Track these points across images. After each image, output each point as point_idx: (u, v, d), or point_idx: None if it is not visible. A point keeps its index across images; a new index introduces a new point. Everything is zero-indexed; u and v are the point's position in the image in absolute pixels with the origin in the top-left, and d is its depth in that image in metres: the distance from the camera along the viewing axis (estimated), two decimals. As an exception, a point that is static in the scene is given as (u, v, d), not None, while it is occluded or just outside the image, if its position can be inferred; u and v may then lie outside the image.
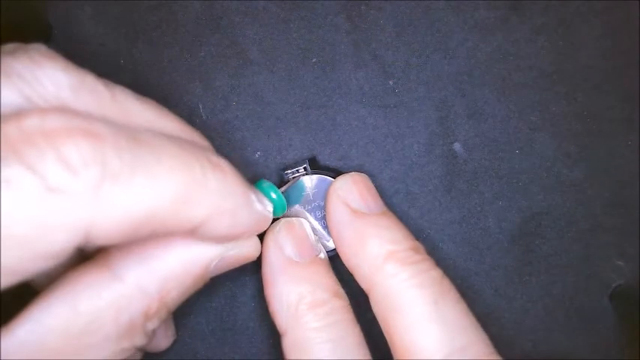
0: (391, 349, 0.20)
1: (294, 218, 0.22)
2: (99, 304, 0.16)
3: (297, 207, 0.23)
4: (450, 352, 0.18)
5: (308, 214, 0.23)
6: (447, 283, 0.20)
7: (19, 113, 0.14)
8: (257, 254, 0.20)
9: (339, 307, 0.20)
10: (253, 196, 0.18)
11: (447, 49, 0.24)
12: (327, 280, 0.20)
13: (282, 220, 0.22)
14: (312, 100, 0.24)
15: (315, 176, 0.23)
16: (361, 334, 0.20)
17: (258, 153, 0.24)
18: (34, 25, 0.24)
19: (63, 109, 0.14)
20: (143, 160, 0.14)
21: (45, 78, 0.15)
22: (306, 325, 0.19)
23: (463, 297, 0.20)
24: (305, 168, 0.23)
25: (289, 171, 0.23)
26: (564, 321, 0.23)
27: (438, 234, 0.24)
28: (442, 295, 0.19)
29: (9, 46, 0.16)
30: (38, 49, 0.16)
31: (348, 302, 0.21)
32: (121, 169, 0.14)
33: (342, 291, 0.21)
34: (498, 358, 0.19)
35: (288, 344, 0.20)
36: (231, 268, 0.19)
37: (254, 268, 0.22)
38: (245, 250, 0.19)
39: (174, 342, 0.24)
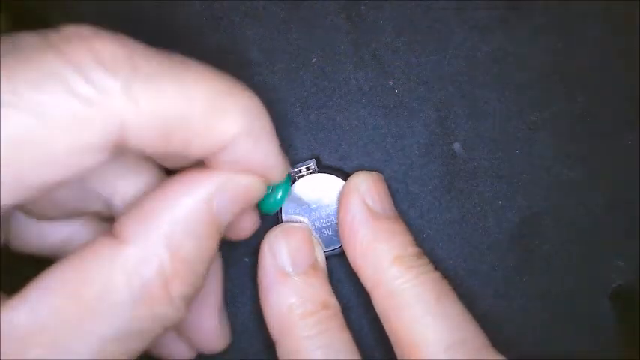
0: (394, 345, 0.21)
1: (291, 224, 0.22)
2: (108, 269, 0.16)
3: (297, 207, 0.23)
4: (450, 344, 0.19)
5: (305, 216, 0.23)
6: (445, 284, 0.21)
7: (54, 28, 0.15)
8: (258, 186, 0.19)
9: (329, 316, 0.21)
10: (276, 136, 0.18)
11: (447, 49, 0.24)
12: (317, 290, 0.21)
13: (280, 226, 0.22)
14: (312, 100, 0.24)
15: (321, 175, 0.23)
16: (351, 339, 0.21)
17: None
18: (34, 25, 0.24)
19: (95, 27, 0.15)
20: (172, 69, 0.16)
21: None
22: (296, 334, 0.20)
23: (463, 297, 0.21)
24: (312, 166, 0.23)
25: (296, 169, 0.23)
26: (564, 321, 0.23)
27: (438, 234, 0.24)
28: (442, 293, 0.20)
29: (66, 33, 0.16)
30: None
31: (338, 308, 0.21)
32: (151, 71, 0.15)
33: (332, 300, 0.21)
34: (495, 352, 0.20)
35: (281, 352, 0.21)
36: (239, 206, 0.18)
37: (254, 269, 0.22)
38: (243, 181, 0.18)
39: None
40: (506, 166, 0.24)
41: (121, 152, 0.15)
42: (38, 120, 0.14)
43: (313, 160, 0.23)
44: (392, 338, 0.20)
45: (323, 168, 0.23)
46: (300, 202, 0.23)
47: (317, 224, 0.23)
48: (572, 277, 0.23)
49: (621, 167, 0.23)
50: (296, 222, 0.23)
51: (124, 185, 0.19)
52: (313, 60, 0.24)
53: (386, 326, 0.21)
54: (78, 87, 0.14)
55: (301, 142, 0.24)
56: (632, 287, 0.23)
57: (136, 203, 0.17)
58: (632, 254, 0.23)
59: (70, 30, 0.15)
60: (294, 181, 0.23)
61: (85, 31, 0.15)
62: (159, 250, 0.16)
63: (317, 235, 0.23)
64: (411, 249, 0.21)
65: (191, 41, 0.24)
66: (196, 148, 0.16)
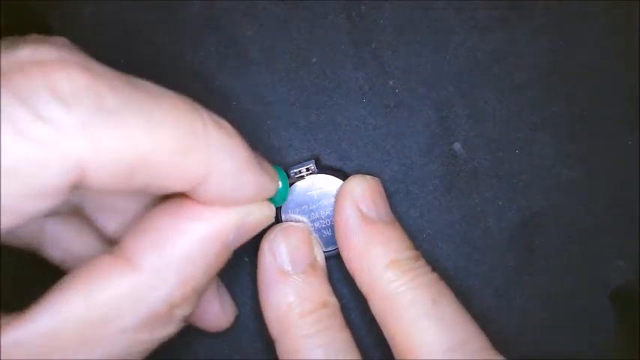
0: (392, 349, 0.20)
1: (291, 223, 0.22)
2: (115, 294, 0.16)
3: (297, 207, 0.23)
4: (449, 347, 0.19)
5: (305, 216, 0.23)
6: (442, 285, 0.21)
7: (14, 46, 0.13)
8: (272, 217, 0.20)
9: (328, 315, 0.21)
10: (255, 160, 0.18)
11: (447, 49, 0.24)
12: (317, 290, 0.21)
13: (279, 226, 0.22)
14: (312, 100, 0.24)
15: (320, 175, 0.23)
16: (351, 338, 0.21)
17: (258, 153, 0.24)
18: (34, 25, 0.24)
19: (59, 43, 0.14)
20: (140, 102, 0.14)
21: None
22: (296, 333, 0.20)
23: (463, 297, 0.21)
24: (312, 166, 0.23)
25: (295, 169, 0.23)
26: (564, 321, 0.23)
27: (437, 234, 0.24)
28: (439, 295, 0.20)
29: (31, 40, 0.15)
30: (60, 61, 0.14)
31: (338, 307, 0.21)
32: (116, 105, 0.13)
33: (331, 299, 0.21)
34: (495, 352, 0.20)
35: (281, 350, 0.21)
36: (251, 236, 0.19)
37: (253, 269, 0.22)
38: (259, 216, 0.19)
39: (174, 342, 0.24)
40: (506, 166, 0.24)
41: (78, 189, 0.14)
42: None
43: (313, 161, 0.23)
44: (390, 342, 0.20)
45: (322, 168, 0.23)
46: (299, 203, 0.23)
47: (316, 225, 0.23)
48: (572, 277, 0.23)
49: (621, 167, 0.23)
50: (295, 222, 0.23)
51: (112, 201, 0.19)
52: (313, 60, 0.24)
53: (384, 330, 0.20)
54: (27, 126, 0.12)
55: (301, 142, 0.24)
56: (632, 287, 0.23)
57: (144, 225, 0.17)
58: (632, 254, 0.23)
59: (27, 54, 0.13)
60: (292, 183, 0.23)
61: (45, 53, 0.13)
62: (169, 279, 0.16)
63: (316, 236, 0.23)
64: (407, 253, 0.21)
65: (191, 41, 0.24)
66: (163, 186, 0.16)
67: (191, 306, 0.17)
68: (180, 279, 0.16)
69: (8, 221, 0.13)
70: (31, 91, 0.13)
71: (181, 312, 0.17)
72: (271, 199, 0.20)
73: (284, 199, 0.21)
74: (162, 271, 0.16)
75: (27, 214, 0.13)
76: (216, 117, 0.16)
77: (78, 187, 0.14)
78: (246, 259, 0.24)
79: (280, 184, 0.20)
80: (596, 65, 0.23)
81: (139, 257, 0.16)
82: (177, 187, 0.16)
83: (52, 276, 0.17)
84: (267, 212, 0.19)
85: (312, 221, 0.23)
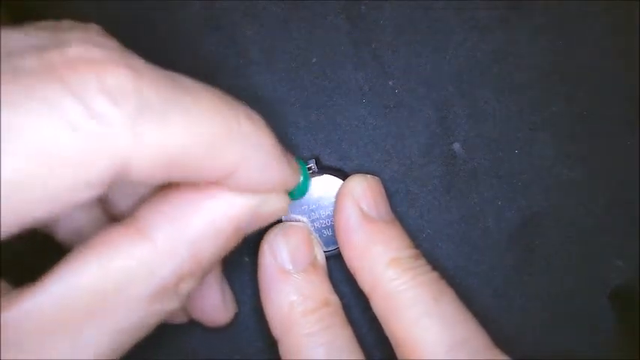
0: (394, 348, 0.20)
1: (292, 223, 0.22)
2: (129, 263, 0.16)
3: (297, 207, 0.23)
4: (451, 346, 0.19)
5: (305, 216, 0.23)
6: (443, 283, 0.21)
7: (61, 42, 0.14)
8: (286, 209, 0.20)
9: (329, 314, 0.21)
10: (282, 154, 0.18)
11: (447, 49, 0.24)
12: (318, 288, 0.21)
13: (279, 226, 0.22)
14: (312, 100, 0.24)
15: (321, 175, 0.23)
16: (353, 336, 0.21)
17: (284, 146, 0.24)
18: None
19: (104, 42, 0.15)
20: (180, 99, 0.15)
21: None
22: (298, 332, 0.20)
23: (462, 297, 0.21)
24: (312, 166, 0.23)
25: None
26: (564, 321, 0.23)
27: (437, 234, 0.24)
28: (440, 293, 0.20)
29: (72, 30, 0.16)
30: (102, 51, 0.15)
31: (339, 305, 0.22)
32: (158, 103, 0.14)
33: (332, 297, 0.21)
34: (497, 351, 0.20)
35: (283, 350, 0.21)
36: (263, 225, 0.19)
37: (254, 269, 0.22)
38: (274, 206, 0.19)
39: (175, 342, 0.24)
40: (506, 166, 0.24)
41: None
42: (37, 159, 0.13)
43: (313, 161, 0.23)
44: (392, 341, 0.20)
45: (323, 168, 0.23)
46: (299, 203, 0.23)
47: (316, 224, 0.23)
48: (572, 277, 0.23)
49: (621, 167, 0.23)
50: (295, 222, 0.23)
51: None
52: (313, 60, 0.24)
53: (385, 329, 0.20)
54: (80, 122, 0.13)
55: (301, 142, 0.24)
56: (632, 287, 0.23)
57: (160, 199, 0.17)
58: (632, 254, 0.23)
59: (77, 51, 0.14)
60: None
61: (95, 52, 0.14)
62: (182, 252, 0.16)
63: (316, 235, 0.23)
64: (408, 251, 0.21)
65: (191, 41, 0.24)
66: (195, 177, 0.16)
67: (196, 282, 0.17)
68: (191, 254, 0.17)
69: (54, 210, 0.14)
70: (84, 88, 0.13)
71: (187, 286, 0.17)
72: (290, 193, 0.20)
73: (303, 193, 0.21)
74: (175, 244, 0.16)
75: (71, 204, 0.14)
76: (249, 111, 0.17)
77: (120, 179, 0.14)
78: (247, 259, 0.24)
79: (301, 178, 0.20)
80: (596, 65, 0.23)
81: (153, 229, 0.16)
82: (208, 178, 0.16)
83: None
84: (283, 204, 0.19)
85: (312, 221, 0.23)
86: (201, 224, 0.17)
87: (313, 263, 0.22)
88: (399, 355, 0.20)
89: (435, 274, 0.21)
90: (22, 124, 0.13)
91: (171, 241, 0.16)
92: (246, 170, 0.16)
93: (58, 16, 0.24)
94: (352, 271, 0.21)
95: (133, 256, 0.16)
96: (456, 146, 0.24)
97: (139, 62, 0.15)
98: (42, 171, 0.13)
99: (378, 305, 0.20)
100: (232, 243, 0.18)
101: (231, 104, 0.16)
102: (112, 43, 0.15)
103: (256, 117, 0.17)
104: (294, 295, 0.21)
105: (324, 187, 0.23)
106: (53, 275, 0.15)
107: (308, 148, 0.24)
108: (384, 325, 0.21)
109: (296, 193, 0.21)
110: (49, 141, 0.13)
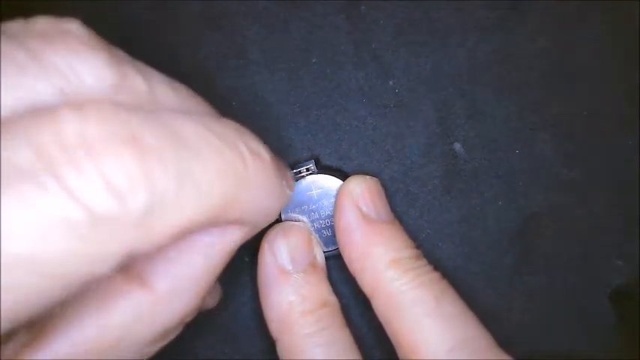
0: (396, 348, 0.20)
1: (291, 223, 0.22)
2: (130, 315, 0.16)
3: (297, 207, 0.23)
4: (453, 346, 0.19)
5: (305, 216, 0.23)
6: (445, 283, 0.21)
7: (54, 113, 0.12)
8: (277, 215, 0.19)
9: (328, 314, 0.21)
10: (284, 183, 0.17)
11: (447, 49, 0.24)
12: (317, 289, 0.21)
13: (279, 225, 0.22)
14: (312, 100, 0.24)
15: (320, 175, 0.23)
16: (350, 337, 0.21)
17: (279, 158, 0.24)
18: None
19: (101, 108, 0.12)
20: (188, 169, 0.13)
21: (86, 74, 0.13)
22: (297, 332, 0.20)
23: (463, 297, 0.21)
24: (312, 167, 0.23)
25: (295, 170, 0.23)
26: (564, 321, 0.23)
27: (437, 234, 0.24)
28: (442, 293, 0.20)
29: (40, 22, 0.14)
30: (77, 34, 0.14)
31: (338, 306, 0.22)
32: (167, 186, 0.12)
33: (331, 298, 0.22)
34: (500, 351, 0.20)
35: (282, 350, 0.21)
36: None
37: (254, 269, 0.22)
38: (267, 223, 0.18)
39: (175, 342, 0.24)
40: (506, 166, 0.24)
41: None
42: (27, 266, 0.11)
43: (313, 161, 0.23)
44: (393, 341, 0.20)
45: (322, 168, 0.23)
46: (299, 203, 0.23)
47: (316, 225, 0.23)
48: (571, 277, 0.23)
49: (621, 167, 0.23)
50: (295, 222, 0.23)
51: None
52: (313, 60, 0.24)
53: (387, 329, 0.20)
54: (81, 227, 0.11)
55: (301, 142, 0.24)
56: (632, 287, 0.23)
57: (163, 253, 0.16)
58: (632, 254, 0.23)
59: (72, 133, 0.12)
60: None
61: (91, 129, 0.12)
62: (184, 296, 0.16)
63: (316, 235, 0.23)
64: (408, 251, 0.21)
65: (191, 41, 0.24)
66: (199, 231, 0.15)
67: (198, 310, 0.17)
68: (194, 293, 0.16)
69: (33, 309, 0.12)
70: (84, 187, 0.11)
71: (189, 318, 0.17)
72: None
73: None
74: (177, 289, 0.16)
75: (58, 300, 0.13)
76: (253, 144, 0.15)
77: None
78: (247, 259, 0.24)
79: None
80: (596, 65, 0.23)
81: (153, 277, 0.16)
82: (214, 228, 0.16)
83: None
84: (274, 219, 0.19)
85: (312, 221, 0.23)
86: (201, 264, 0.16)
87: (313, 263, 0.22)
88: (400, 355, 0.20)
89: (436, 274, 0.21)
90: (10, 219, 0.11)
91: (172, 287, 0.16)
92: (252, 208, 0.16)
93: (58, 16, 0.24)
94: (353, 273, 0.21)
95: (133, 307, 0.16)
96: (456, 146, 0.24)
97: (140, 128, 0.13)
98: (32, 279, 0.11)
99: (380, 306, 0.20)
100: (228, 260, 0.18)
101: (234, 144, 0.15)
102: (111, 113, 0.13)
103: (262, 150, 0.16)
104: (293, 295, 0.21)
105: (324, 187, 0.23)
106: (55, 331, 0.15)
107: (308, 148, 0.24)
108: (385, 326, 0.21)
109: None
110: (41, 248, 0.11)
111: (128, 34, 0.24)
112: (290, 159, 0.24)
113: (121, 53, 0.15)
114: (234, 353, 0.24)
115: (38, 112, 0.12)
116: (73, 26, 0.14)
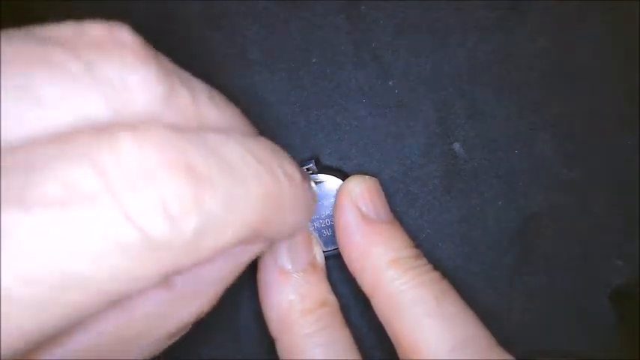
0: (396, 349, 0.20)
1: None
2: (149, 311, 0.16)
3: None
4: (453, 345, 0.19)
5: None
6: (445, 283, 0.21)
7: (113, 136, 0.12)
8: None
9: (328, 314, 0.21)
10: (311, 198, 0.17)
11: (447, 49, 0.24)
12: (317, 288, 0.21)
13: None
14: (312, 100, 0.24)
15: (320, 175, 0.23)
16: (350, 336, 0.21)
17: (304, 171, 0.24)
18: (34, 25, 0.24)
19: (157, 133, 0.13)
20: (233, 193, 0.13)
21: (138, 88, 0.13)
22: (296, 332, 0.20)
23: (463, 297, 0.21)
24: (312, 167, 0.23)
25: None
26: (564, 321, 0.23)
27: (437, 234, 0.24)
28: (442, 293, 0.20)
29: (94, 29, 0.14)
30: (131, 46, 0.14)
31: (337, 306, 0.22)
32: (216, 211, 0.13)
33: (330, 297, 0.22)
34: (501, 350, 0.20)
35: (281, 349, 0.21)
36: None
37: (253, 269, 0.22)
38: (289, 236, 0.19)
39: (175, 342, 0.24)
40: (506, 166, 0.24)
41: None
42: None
43: (313, 161, 0.23)
44: (394, 341, 0.20)
45: (322, 168, 0.23)
46: None
47: (316, 224, 0.23)
48: (572, 277, 0.23)
49: (621, 167, 0.23)
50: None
51: None
52: (313, 60, 0.24)
53: (387, 330, 0.20)
54: (134, 248, 0.12)
55: (301, 142, 0.24)
56: (633, 287, 0.23)
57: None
58: (632, 254, 0.23)
59: (131, 158, 0.12)
60: None
61: (149, 155, 0.12)
62: (202, 297, 0.17)
63: (316, 235, 0.23)
64: (408, 251, 0.21)
65: (191, 41, 0.24)
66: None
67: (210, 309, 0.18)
68: (213, 294, 0.17)
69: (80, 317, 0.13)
70: (142, 211, 0.12)
71: (202, 316, 0.18)
72: None
73: None
74: (198, 289, 0.16)
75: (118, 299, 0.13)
76: (289, 167, 0.16)
77: None
78: (246, 259, 0.24)
79: None
80: (596, 65, 0.23)
81: (177, 276, 0.16)
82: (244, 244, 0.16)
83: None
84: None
85: (312, 221, 0.23)
86: (225, 266, 0.17)
87: (313, 263, 0.22)
88: (400, 355, 0.20)
89: (436, 274, 0.21)
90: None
91: (194, 287, 0.16)
92: (282, 226, 0.16)
93: (58, 16, 0.24)
94: (353, 273, 0.21)
95: (154, 305, 0.16)
96: (456, 146, 0.24)
97: (193, 153, 0.13)
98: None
99: (380, 306, 0.20)
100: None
101: (271, 168, 0.15)
102: (165, 137, 0.13)
103: (296, 174, 0.16)
104: (293, 295, 0.21)
105: (324, 187, 0.23)
106: (82, 322, 0.15)
107: (308, 148, 0.24)
108: (385, 326, 0.21)
109: None
110: (98, 269, 0.11)
111: (128, 34, 0.24)
112: (290, 159, 0.24)
113: (168, 63, 0.15)
114: (234, 353, 0.24)
115: (97, 132, 0.12)
116: (127, 36, 0.14)
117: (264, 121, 0.24)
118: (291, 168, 0.16)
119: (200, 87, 0.16)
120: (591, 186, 0.23)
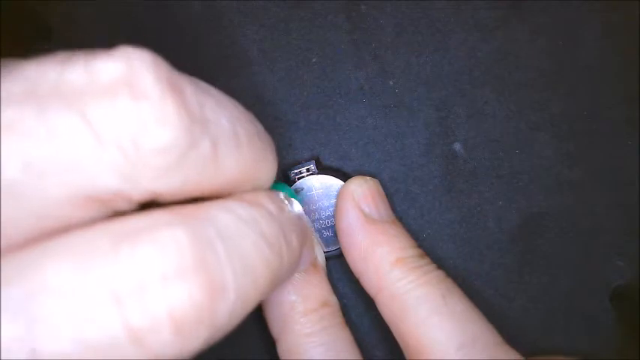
0: (403, 349, 0.20)
1: None
2: None
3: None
4: (462, 343, 0.19)
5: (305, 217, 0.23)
6: (450, 281, 0.20)
7: (135, 241, 0.12)
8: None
9: (329, 314, 0.21)
10: (307, 253, 0.19)
11: (447, 49, 0.24)
12: (318, 289, 0.21)
13: None
14: (312, 100, 0.24)
15: (321, 176, 0.23)
16: (351, 337, 0.21)
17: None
18: (34, 25, 0.24)
19: (175, 237, 0.13)
20: (244, 293, 0.14)
21: (152, 154, 0.12)
22: (297, 332, 0.20)
23: (463, 297, 0.21)
24: (312, 167, 0.23)
25: (295, 170, 0.23)
26: (564, 321, 0.23)
27: (438, 234, 0.24)
28: (448, 291, 0.20)
29: (106, 72, 0.13)
30: (151, 96, 0.12)
31: (338, 306, 0.22)
32: (225, 320, 0.13)
33: (331, 298, 0.21)
34: (508, 348, 0.19)
35: (282, 349, 0.21)
36: None
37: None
38: None
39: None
40: (506, 166, 0.24)
41: None
42: None
43: (313, 161, 0.23)
44: (400, 342, 0.20)
45: (323, 169, 0.23)
46: (299, 203, 0.23)
47: (316, 225, 0.23)
48: (572, 277, 0.23)
49: (621, 167, 0.23)
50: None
51: None
52: (313, 60, 0.24)
53: (393, 331, 0.20)
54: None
55: (301, 142, 0.24)
56: (633, 287, 0.23)
57: None
58: (632, 254, 0.23)
59: (142, 223, 0.12)
60: (293, 182, 0.23)
61: (160, 218, 0.13)
62: None
63: (317, 236, 0.23)
64: (412, 250, 0.21)
65: (191, 41, 0.24)
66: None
67: None
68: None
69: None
70: (153, 339, 0.12)
71: None
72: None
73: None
74: None
75: None
76: (294, 240, 0.17)
77: None
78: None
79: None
80: (596, 65, 0.23)
81: None
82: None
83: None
84: None
85: (313, 221, 0.23)
86: None
87: (314, 264, 0.22)
88: (407, 355, 0.20)
89: (441, 272, 0.21)
90: None
91: None
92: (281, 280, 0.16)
93: (58, 16, 0.24)
94: (356, 274, 0.21)
95: None
96: (456, 146, 0.24)
97: (209, 252, 0.13)
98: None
99: (385, 306, 0.20)
100: None
101: (280, 248, 0.15)
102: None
103: (295, 240, 0.17)
104: (294, 295, 0.21)
105: (324, 187, 0.23)
106: None
107: (308, 148, 0.24)
108: (391, 327, 0.20)
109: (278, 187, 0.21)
110: None
111: (128, 34, 0.24)
112: (290, 159, 0.24)
113: (191, 96, 0.14)
114: (234, 353, 0.24)
115: (115, 231, 0.12)
116: (147, 75, 0.13)
117: (264, 121, 0.24)
118: (294, 240, 0.16)
119: (224, 123, 0.15)
120: (591, 186, 0.23)
